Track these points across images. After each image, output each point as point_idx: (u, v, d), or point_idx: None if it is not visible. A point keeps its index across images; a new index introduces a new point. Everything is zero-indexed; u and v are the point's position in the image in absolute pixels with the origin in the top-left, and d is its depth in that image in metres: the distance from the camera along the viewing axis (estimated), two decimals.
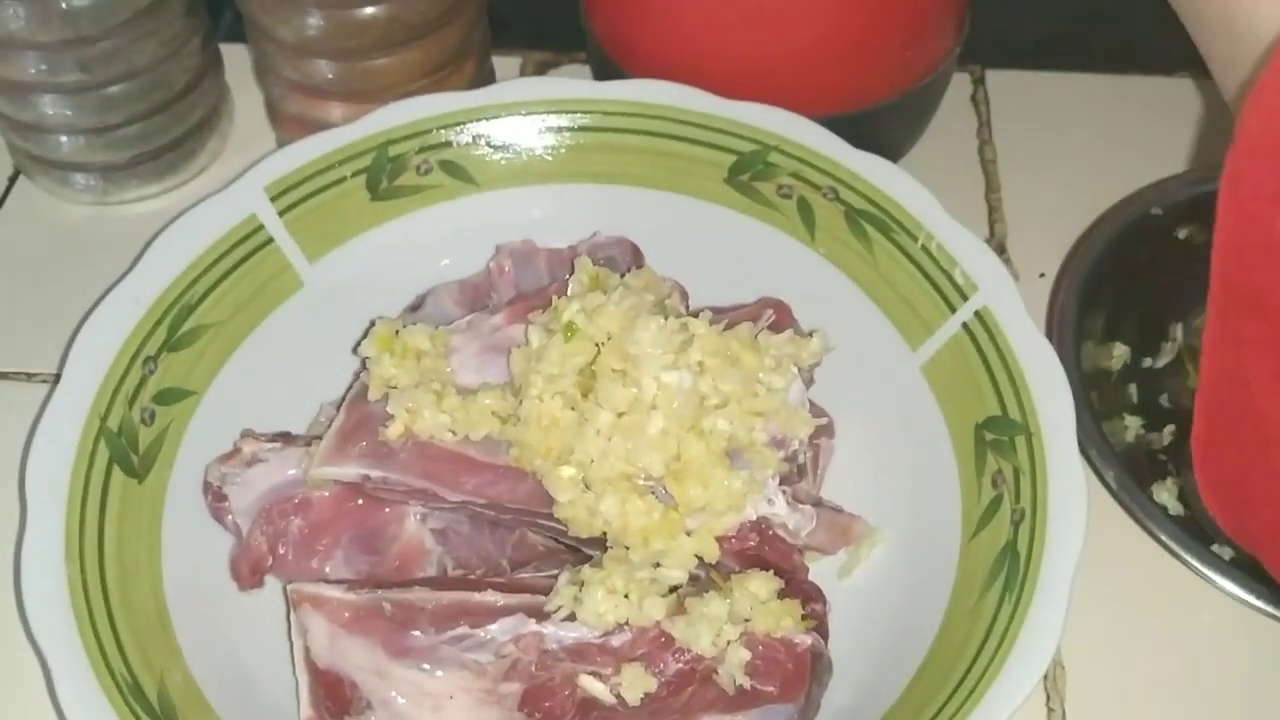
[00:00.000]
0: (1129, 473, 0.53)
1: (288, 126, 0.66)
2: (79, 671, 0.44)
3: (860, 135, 0.58)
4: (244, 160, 0.58)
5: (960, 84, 0.75)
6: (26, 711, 0.51)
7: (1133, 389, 0.60)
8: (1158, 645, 0.54)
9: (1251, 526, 0.39)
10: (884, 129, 0.66)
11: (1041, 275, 0.65)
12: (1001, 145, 0.72)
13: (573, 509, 0.47)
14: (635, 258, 0.57)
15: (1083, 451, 0.50)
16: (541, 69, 0.76)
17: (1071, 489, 0.48)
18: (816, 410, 0.53)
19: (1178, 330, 0.62)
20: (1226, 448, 0.38)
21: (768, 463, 0.48)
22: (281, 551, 0.51)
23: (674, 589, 0.47)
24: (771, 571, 0.48)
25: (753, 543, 0.48)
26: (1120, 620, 0.54)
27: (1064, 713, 0.52)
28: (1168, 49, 0.55)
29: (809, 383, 0.52)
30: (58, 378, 0.51)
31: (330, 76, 0.62)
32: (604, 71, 0.67)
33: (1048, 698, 0.52)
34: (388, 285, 0.58)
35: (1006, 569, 0.48)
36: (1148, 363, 0.61)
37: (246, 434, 0.53)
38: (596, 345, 0.48)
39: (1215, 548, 0.54)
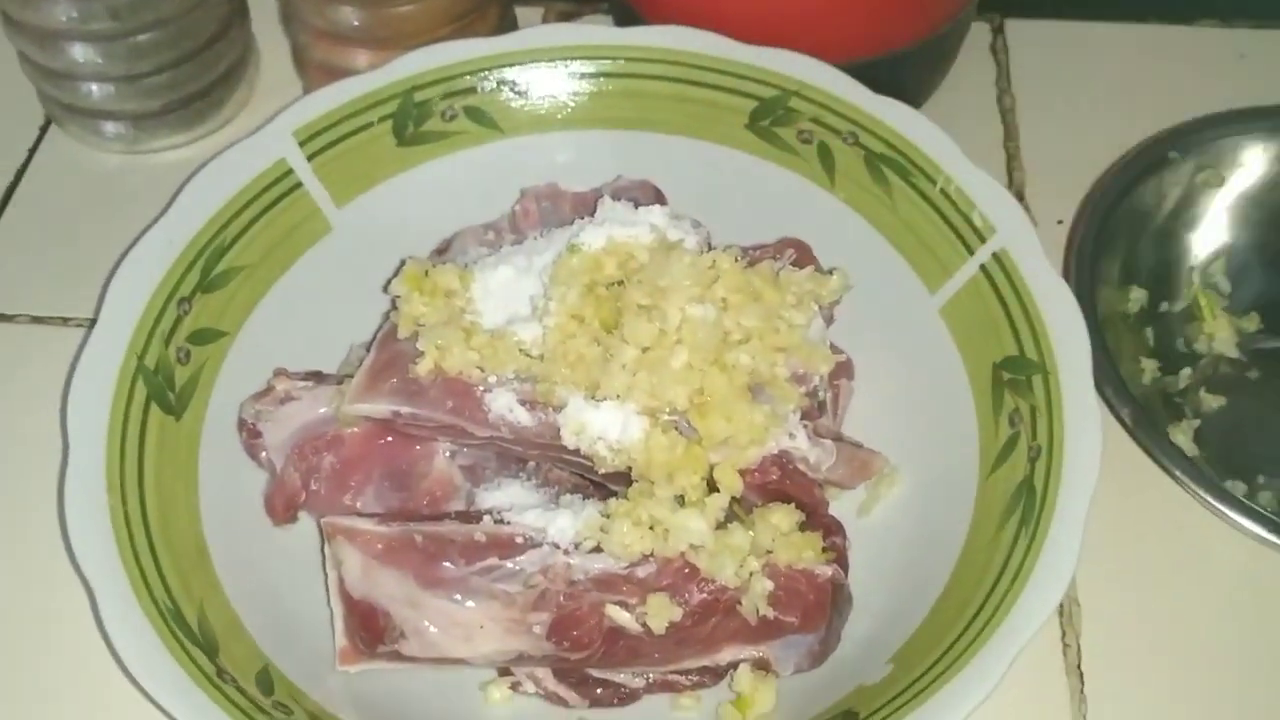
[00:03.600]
0: (1145, 413, 0.54)
1: (314, 74, 0.67)
2: (122, 596, 0.46)
3: (880, 82, 0.59)
4: (270, 110, 0.59)
5: (980, 33, 0.75)
6: (75, 637, 0.52)
7: (1150, 332, 0.61)
8: (1171, 581, 0.55)
9: None
10: (903, 76, 0.67)
11: (1059, 222, 0.65)
12: (1020, 94, 0.73)
13: (598, 444, 0.48)
14: (658, 200, 0.58)
15: (1099, 391, 0.51)
16: (563, 19, 0.77)
17: (1087, 426, 0.49)
18: (836, 351, 0.54)
19: (1194, 275, 0.62)
20: None
21: (789, 397, 0.49)
22: (314, 487, 0.52)
23: None
24: (793, 505, 0.49)
25: (774, 476, 0.49)
26: (1135, 557, 0.55)
27: (1079, 647, 0.53)
28: None
29: (829, 320, 0.53)
30: (93, 321, 0.52)
31: (356, 24, 0.63)
32: (625, 20, 0.68)
33: (1063, 633, 0.54)
34: (414, 229, 0.59)
35: (1023, 504, 0.49)
36: (1164, 307, 0.62)
37: (279, 372, 0.54)
38: (619, 280, 0.49)
39: (1229, 484, 0.54)
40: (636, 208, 0.53)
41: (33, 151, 0.71)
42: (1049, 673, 0.52)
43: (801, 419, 0.50)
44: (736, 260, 0.50)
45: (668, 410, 0.48)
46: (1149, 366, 0.60)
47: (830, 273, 0.53)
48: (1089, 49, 0.75)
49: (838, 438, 0.51)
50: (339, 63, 0.65)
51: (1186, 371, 0.60)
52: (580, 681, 0.50)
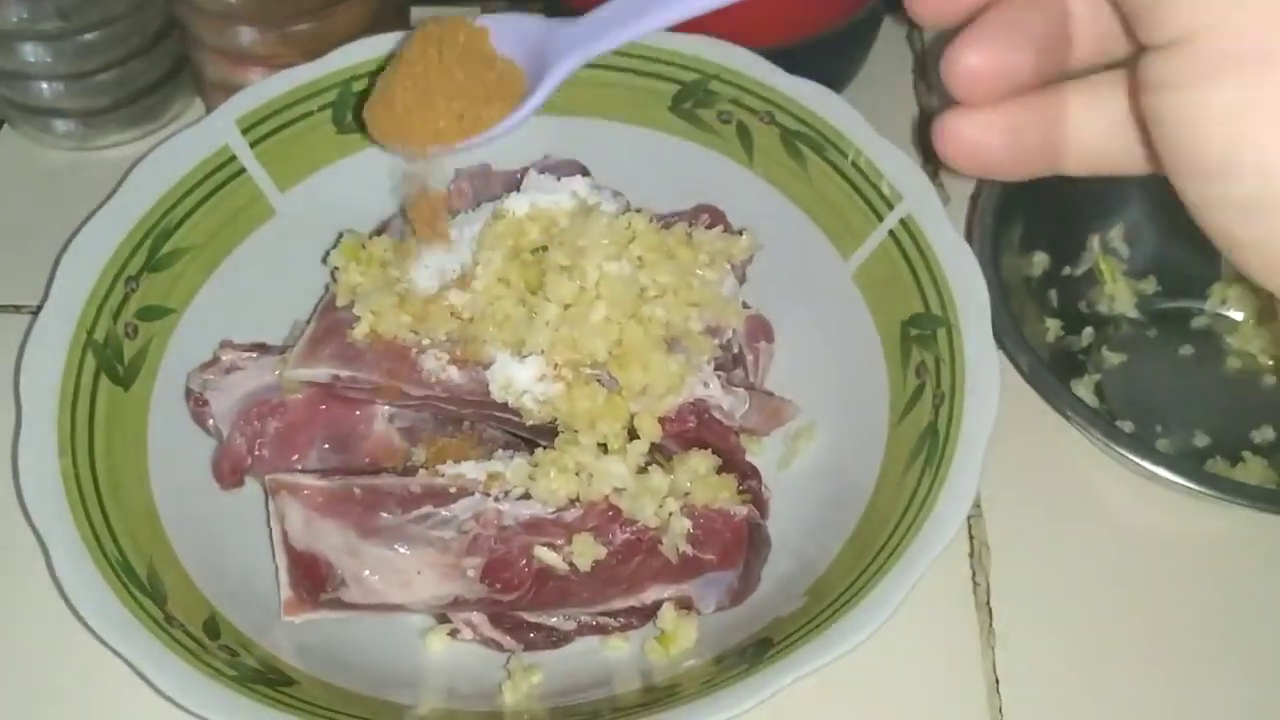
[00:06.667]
0: (1041, 361, 0.57)
1: (212, 93, 0.69)
2: (74, 548, 0.48)
3: (797, 69, 0.62)
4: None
5: (896, 23, 0.79)
6: (31, 590, 0.54)
7: (1053, 294, 0.64)
8: (1072, 521, 0.58)
9: None
10: (819, 62, 0.70)
11: (973, 197, 0.69)
12: (935, 81, 0.76)
13: (524, 397, 0.51)
14: (581, 174, 0.60)
15: (999, 343, 0.54)
16: None
17: (986, 371, 0.52)
18: (756, 315, 0.57)
19: (1094, 241, 0.66)
20: None
21: (703, 349, 0.52)
22: (259, 451, 0.55)
23: None
24: (710, 450, 0.52)
25: (691, 424, 0.52)
26: (1038, 500, 0.59)
27: (988, 585, 0.56)
28: None
29: (741, 279, 0.56)
30: (44, 299, 0.54)
31: (250, 43, 0.65)
32: (556, 12, 0.70)
33: (973, 573, 0.57)
34: (354, 211, 0.62)
35: (928, 446, 0.52)
36: (1067, 271, 0.65)
37: (225, 343, 0.57)
38: (541, 246, 0.52)
39: (1118, 423, 0.58)
40: (559, 180, 0.56)
41: None
42: (960, 609, 0.56)
43: (716, 370, 0.53)
44: (651, 221, 0.53)
45: (589, 363, 0.51)
46: (1053, 326, 0.63)
47: (740, 233, 0.56)
48: None
49: (750, 387, 0.54)
50: (236, 81, 0.66)
51: (1088, 331, 0.64)
52: (515, 626, 0.52)
